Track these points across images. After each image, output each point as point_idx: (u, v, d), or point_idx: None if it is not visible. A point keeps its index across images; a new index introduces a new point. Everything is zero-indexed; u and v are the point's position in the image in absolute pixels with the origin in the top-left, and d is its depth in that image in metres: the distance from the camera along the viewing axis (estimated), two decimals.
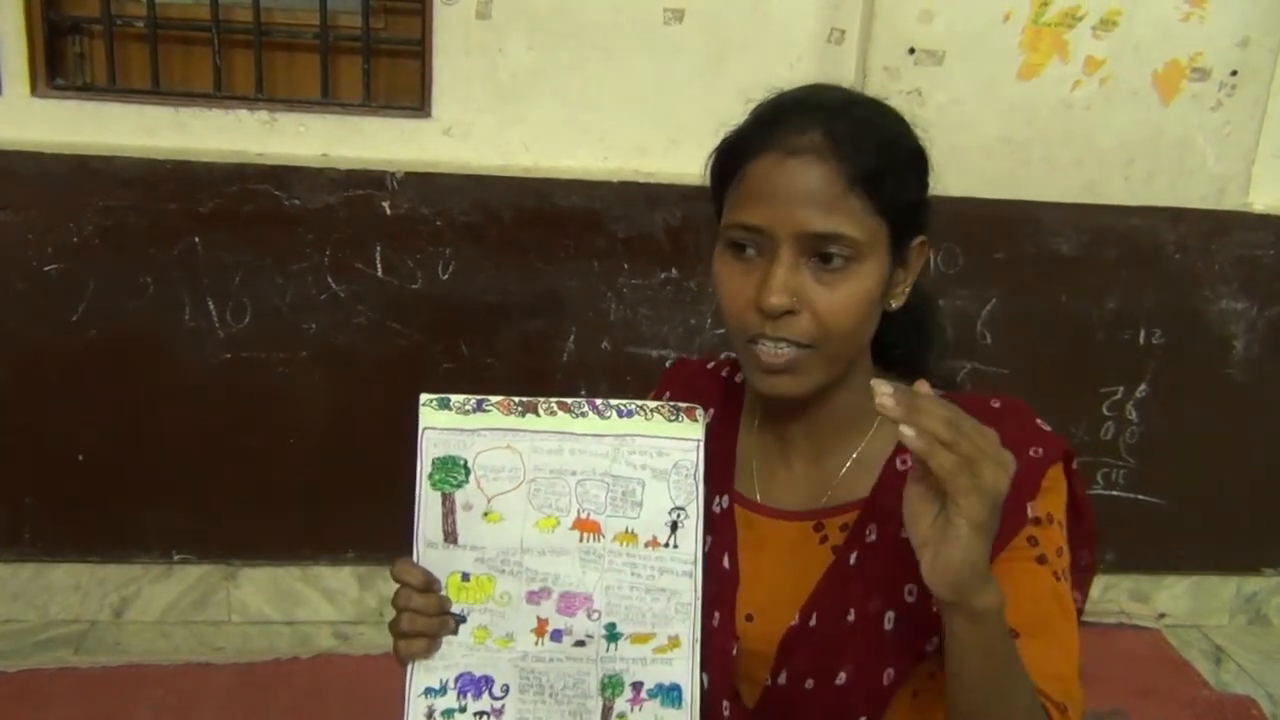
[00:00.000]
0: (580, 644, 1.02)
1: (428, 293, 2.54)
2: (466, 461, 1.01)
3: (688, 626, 1.03)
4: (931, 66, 2.49)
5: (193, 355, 2.53)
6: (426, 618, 1.01)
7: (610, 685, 1.03)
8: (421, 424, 1.01)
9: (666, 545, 1.02)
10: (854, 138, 0.96)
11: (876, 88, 2.48)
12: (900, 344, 1.10)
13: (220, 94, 2.52)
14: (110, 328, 2.49)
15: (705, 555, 1.06)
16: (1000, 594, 0.86)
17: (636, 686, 1.03)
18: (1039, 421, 1.04)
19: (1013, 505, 0.96)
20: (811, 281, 0.97)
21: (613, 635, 1.02)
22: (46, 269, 2.44)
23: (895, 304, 1.03)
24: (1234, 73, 2.55)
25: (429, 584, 1.02)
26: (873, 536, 1.03)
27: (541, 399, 1.02)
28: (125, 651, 2.58)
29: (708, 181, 1.07)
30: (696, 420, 1.03)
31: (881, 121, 1.01)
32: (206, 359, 2.53)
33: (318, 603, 2.75)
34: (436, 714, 1.02)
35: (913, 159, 1.02)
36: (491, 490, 1.01)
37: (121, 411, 2.55)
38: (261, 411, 2.59)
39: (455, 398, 1.02)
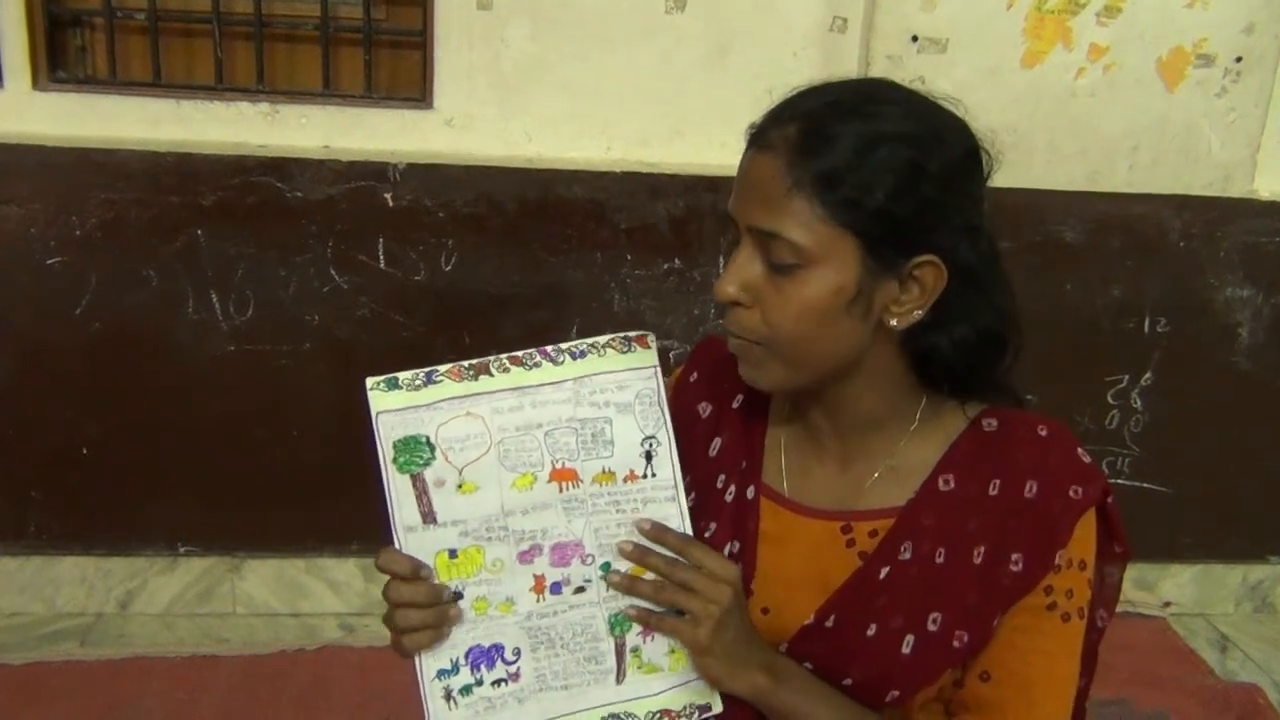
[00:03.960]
0: (580, 590, 1.02)
1: (430, 284, 2.54)
2: (428, 438, 0.98)
3: None
4: (935, 54, 2.48)
5: (196, 348, 2.53)
6: (422, 609, 0.98)
7: (618, 624, 1.02)
8: (373, 409, 0.98)
9: (645, 476, 1.02)
10: (824, 137, 0.92)
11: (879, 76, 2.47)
12: (947, 358, 1.00)
13: (221, 86, 2.52)
14: (113, 321, 2.49)
15: (711, 545, 1.06)
16: (770, 676, 0.99)
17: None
18: (1081, 452, 1.02)
19: (1040, 554, 0.97)
20: (766, 279, 0.95)
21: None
22: (49, 262, 2.44)
23: (896, 324, 0.97)
24: (1239, 59, 2.54)
25: (416, 571, 0.98)
26: (907, 555, 1.01)
27: (492, 358, 1.00)
28: (131, 644, 2.58)
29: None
30: (650, 347, 1.02)
31: (880, 124, 0.93)
32: (210, 351, 2.53)
33: (322, 594, 2.75)
34: (454, 693, 1.00)
35: (907, 170, 0.92)
36: (460, 461, 0.99)
37: (125, 404, 2.56)
38: (265, 403, 2.59)
39: (403, 375, 0.99)
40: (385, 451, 0.98)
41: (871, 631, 1.00)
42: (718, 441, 1.12)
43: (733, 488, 1.09)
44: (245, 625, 2.70)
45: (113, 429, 2.57)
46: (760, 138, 0.96)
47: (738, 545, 1.07)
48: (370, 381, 0.98)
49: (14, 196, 2.40)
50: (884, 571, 1.01)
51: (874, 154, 0.92)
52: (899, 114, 0.95)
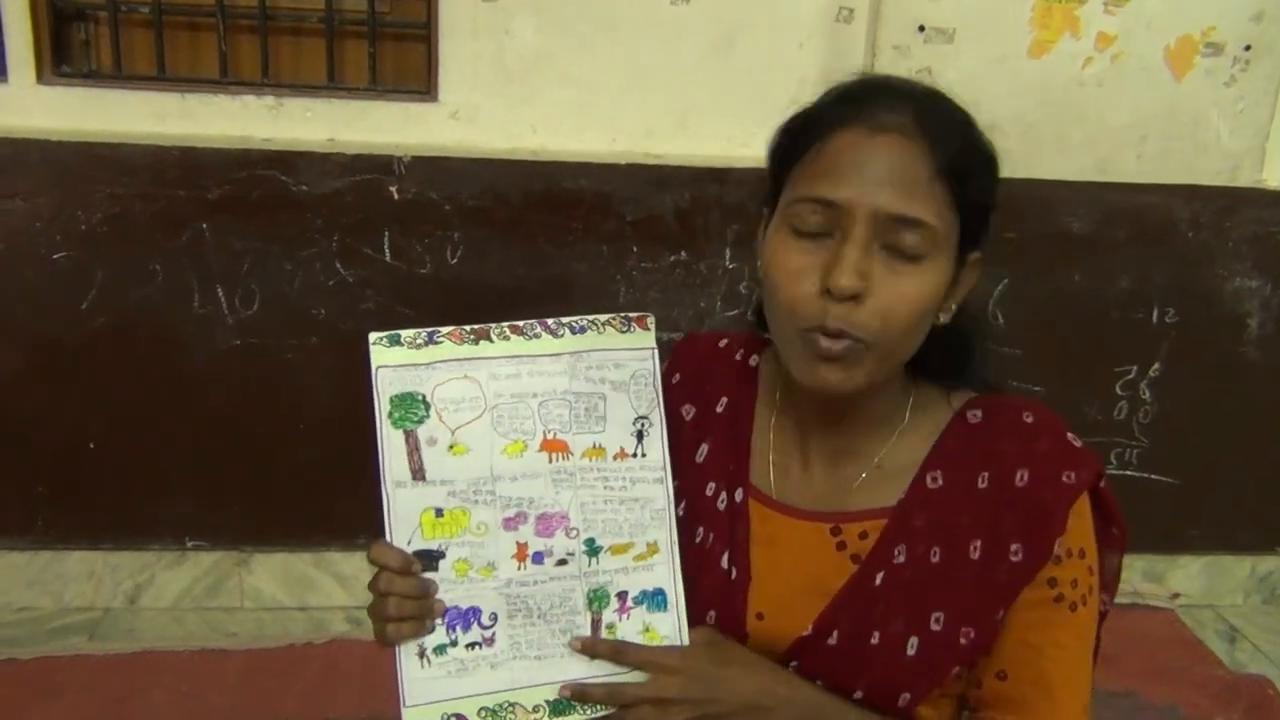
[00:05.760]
0: (562, 563, 1.02)
1: (436, 277, 2.53)
2: (425, 396, 1.00)
3: (664, 532, 1.04)
4: (942, 44, 2.47)
5: (202, 342, 2.53)
6: (412, 601, 0.99)
7: (596, 599, 1.03)
8: (374, 363, 1.00)
9: (634, 455, 1.03)
10: (944, 126, 0.93)
11: (886, 67, 2.46)
12: (938, 358, 1.03)
13: (226, 79, 2.52)
14: (119, 316, 2.49)
15: (706, 551, 1.06)
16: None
17: (622, 596, 1.03)
18: (1070, 436, 1.01)
19: (1038, 542, 0.97)
20: (881, 269, 0.91)
21: (593, 550, 1.03)
22: (55, 257, 2.44)
23: (943, 318, 0.98)
24: (1247, 48, 2.52)
25: (408, 565, 0.99)
26: (901, 558, 1.00)
27: (494, 325, 1.01)
28: (139, 638, 2.59)
29: (764, 161, 1.02)
30: (648, 328, 1.04)
31: (968, 119, 0.97)
32: (216, 346, 2.53)
33: (330, 588, 2.75)
34: (428, 651, 1.01)
35: (991, 164, 0.97)
36: (454, 422, 1.00)
37: (132, 399, 2.56)
38: (271, 397, 2.59)
39: (406, 333, 1.00)
40: (381, 406, 1.00)
41: (875, 640, 0.99)
42: (704, 448, 1.11)
43: (723, 495, 1.08)
44: (253, 619, 2.71)
45: (119, 423, 2.57)
46: (871, 121, 0.92)
47: (728, 557, 1.06)
48: (373, 336, 1.01)
49: (19, 191, 2.40)
50: (879, 577, 1.00)
51: (981, 145, 0.95)
52: (966, 110, 0.97)
